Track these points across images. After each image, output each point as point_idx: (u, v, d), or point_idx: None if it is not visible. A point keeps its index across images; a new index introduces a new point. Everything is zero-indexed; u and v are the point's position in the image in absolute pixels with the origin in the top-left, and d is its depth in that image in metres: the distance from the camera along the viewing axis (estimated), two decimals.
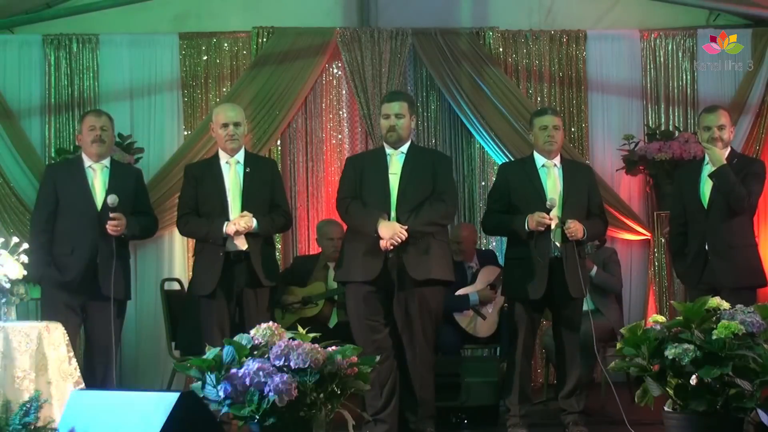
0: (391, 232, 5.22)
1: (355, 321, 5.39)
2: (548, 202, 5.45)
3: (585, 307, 6.36)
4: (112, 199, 5.47)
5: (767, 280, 5.75)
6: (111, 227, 5.48)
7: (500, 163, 7.48)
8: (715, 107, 5.81)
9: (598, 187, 5.90)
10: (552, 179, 5.58)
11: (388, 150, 5.48)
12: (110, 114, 5.88)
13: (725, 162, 5.53)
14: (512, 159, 7.30)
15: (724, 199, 5.54)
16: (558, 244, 5.46)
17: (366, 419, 5.20)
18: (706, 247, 5.59)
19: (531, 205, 5.49)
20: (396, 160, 5.45)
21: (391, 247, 5.23)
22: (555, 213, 5.48)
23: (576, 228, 5.43)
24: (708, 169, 5.62)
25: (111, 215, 5.48)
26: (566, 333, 5.60)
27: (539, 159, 5.64)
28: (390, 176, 5.40)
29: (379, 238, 5.24)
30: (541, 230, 5.41)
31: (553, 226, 5.44)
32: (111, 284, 5.48)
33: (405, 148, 5.48)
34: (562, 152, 5.78)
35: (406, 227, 5.24)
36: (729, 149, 5.68)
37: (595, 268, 6.38)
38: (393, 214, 5.33)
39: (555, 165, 5.62)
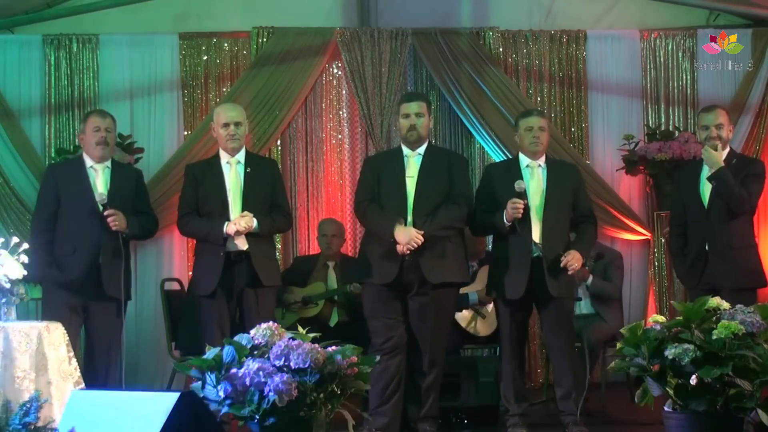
0: (407, 237, 5.26)
1: (373, 319, 5.44)
2: (516, 186, 5.41)
3: (585, 311, 6.38)
4: (100, 197, 5.53)
5: (767, 281, 5.75)
6: (110, 222, 5.50)
7: None
8: (713, 106, 5.82)
9: (586, 187, 5.86)
10: (536, 179, 5.55)
11: (406, 151, 5.51)
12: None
13: (722, 164, 5.52)
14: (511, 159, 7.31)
15: (724, 200, 5.54)
16: (538, 244, 5.43)
17: (365, 418, 5.21)
18: (706, 248, 5.59)
19: None
20: (413, 162, 5.48)
21: (408, 252, 5.27)
22: (532, 203, 5.42)
23: (574, 259, 5.37)
24: (707, 170, 5.61)
25: (105, 213, 5.50)
26: (552, 333, 5.56)
27: (524, 160, 5.62)
28: (407, 179, 5.44)
29: (395, 242, 5.27)
30: (518, 217, 5.36)
31: (523, 216, 5.37)
32: (119, 283, 5.53)
33: (422, 149, 5.51)
34: (559, 153, 5.77)
35: (422, 232, 5.27)
36: (728, 149, 5.69)
37: (591, 278, 6.37)
38: (409, 217, 5.37)
39: (539, 165, 5.59)
